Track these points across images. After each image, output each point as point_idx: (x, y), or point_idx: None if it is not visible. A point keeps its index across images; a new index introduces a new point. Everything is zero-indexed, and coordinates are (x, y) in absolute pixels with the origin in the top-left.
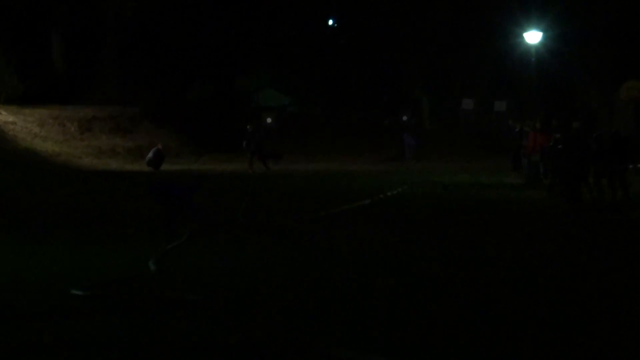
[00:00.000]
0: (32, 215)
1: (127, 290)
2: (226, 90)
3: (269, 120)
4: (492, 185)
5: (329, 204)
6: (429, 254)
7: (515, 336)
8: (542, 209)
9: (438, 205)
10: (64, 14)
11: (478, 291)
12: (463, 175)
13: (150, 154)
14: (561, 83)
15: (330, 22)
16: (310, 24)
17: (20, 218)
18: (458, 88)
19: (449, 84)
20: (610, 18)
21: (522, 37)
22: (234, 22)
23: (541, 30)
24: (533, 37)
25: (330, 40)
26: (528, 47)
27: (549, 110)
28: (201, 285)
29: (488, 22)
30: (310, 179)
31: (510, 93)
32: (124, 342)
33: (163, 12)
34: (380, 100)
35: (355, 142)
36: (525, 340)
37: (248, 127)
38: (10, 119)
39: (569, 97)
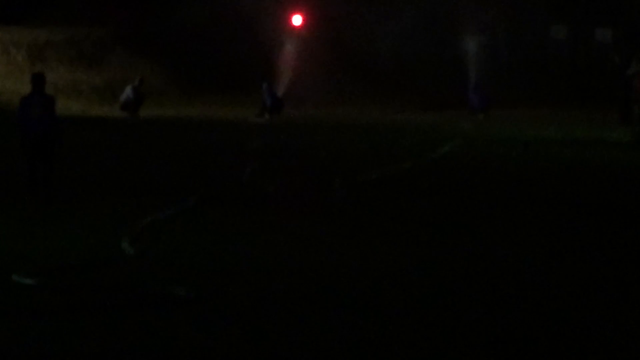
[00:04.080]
0: None
1: (90, 280)
2: (229, 11)
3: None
4: (591, 143)
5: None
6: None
7: None
8: None
9: (512, 172)
10: None
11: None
12: (550, 128)
13: (125, 93)
14: None
15: None
16: None
17: None
18: (545, 10)
19: (532, 3)
20: None
21: None
22: None
23: None
24: None
25: None
26: None
27: None
28: (193, 277)
29: None
30: (331, 132)
31: (617, 18)
32: (85, 353)
33: None
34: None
35: (397, 83)
36: None
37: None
38: None
39: None
